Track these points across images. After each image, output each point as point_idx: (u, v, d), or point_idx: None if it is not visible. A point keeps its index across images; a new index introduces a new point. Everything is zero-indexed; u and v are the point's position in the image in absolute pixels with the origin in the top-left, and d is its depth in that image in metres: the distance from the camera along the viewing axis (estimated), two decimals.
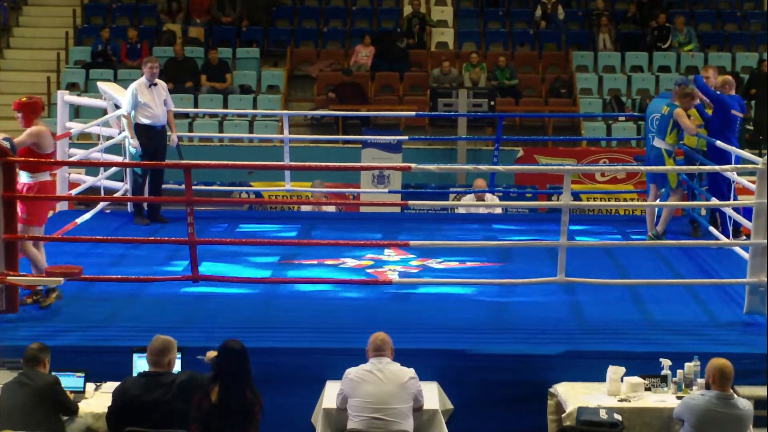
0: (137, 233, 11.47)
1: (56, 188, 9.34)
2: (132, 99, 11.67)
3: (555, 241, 9.10)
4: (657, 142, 11.09)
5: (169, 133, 11.98)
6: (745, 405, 6.99)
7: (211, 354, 7.07)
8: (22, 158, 8.64)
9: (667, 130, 10.97)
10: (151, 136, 11.74)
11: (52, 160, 9.00)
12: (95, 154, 12.13)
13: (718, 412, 6.86)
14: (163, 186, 12.46)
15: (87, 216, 11.41)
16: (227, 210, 13.90)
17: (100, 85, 13.10)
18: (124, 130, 12.19)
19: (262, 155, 16.25)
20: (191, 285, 9.21)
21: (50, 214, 9.81)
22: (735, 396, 6.97)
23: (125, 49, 20.43)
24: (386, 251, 10.82)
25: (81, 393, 7.34)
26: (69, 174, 12.54)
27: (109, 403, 7.01)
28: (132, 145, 11.64)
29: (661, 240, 10.98)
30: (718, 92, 11.13)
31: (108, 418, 6.81)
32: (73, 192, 12.00)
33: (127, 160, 12.03)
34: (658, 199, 11.26)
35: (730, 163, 10.58)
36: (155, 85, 11.80)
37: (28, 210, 8.79)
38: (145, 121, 11.73)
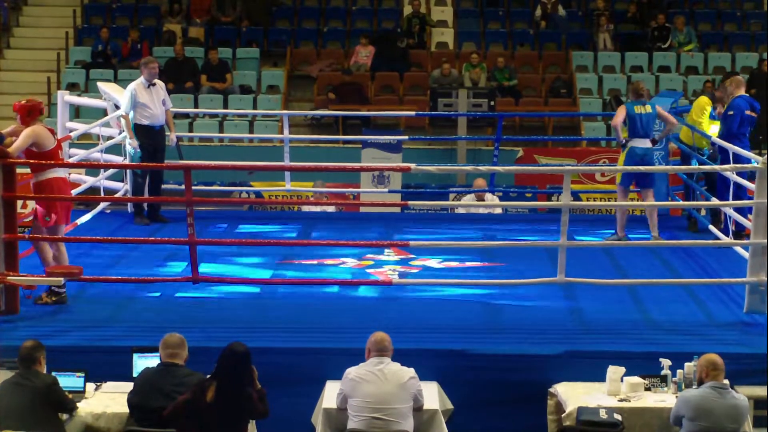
0: (137, 233, 11.48)
1: (68, 184, 9.32)
2: (130, 100, 11.68)
3: (555, 241, 9.10)
4: (644, 143, 11.02)
5: (167, 133, 11.99)
6: (741, 396, 7.00)
7: None
8: (22, 159, 8.69)
9: (654, 129, 10.96)
10: (149, 137, 11.76)
11: (58, 156, 9.00)
12: (95, 155, 12.13)
13: (713, 401, 6.87)
14: (163, 186, 12.47)
15: (87, 216, 11.42)
16: (227, 210, 13.90)
17: (100, 85, 13.10)
18: (123, 131, 12.20)
19: (262, 155, 16.25)
20: (191, 285, 9.21)
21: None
22: (729, 386, 6.99)
23: (125, 49, 20.43)
24: (386, 251, 10.82)
25: (81, 393, 7.34)
26: (69, 174, 12.52)
27: (112, 402, 7.18)
28: (131, 145, 11.65)
29: (623, 241, 10.99)
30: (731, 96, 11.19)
31: (128, 401, 6.90)
32: (73, 192, 12.00)
33: (127, 161, 12.04)
34: (645, 199, 11.20)
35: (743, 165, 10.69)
36: (153, 85, 11.81)
37: (45, 211, 8.80)
38: (144, 121, 11.75)
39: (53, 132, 9.00)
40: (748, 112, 11.01)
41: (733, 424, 6.88)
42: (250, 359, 6.71)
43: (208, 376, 6.72)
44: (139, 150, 11.60)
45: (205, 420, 6.56)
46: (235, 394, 6.60)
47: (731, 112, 10.99)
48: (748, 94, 11.54)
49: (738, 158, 10.59)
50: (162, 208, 12.23)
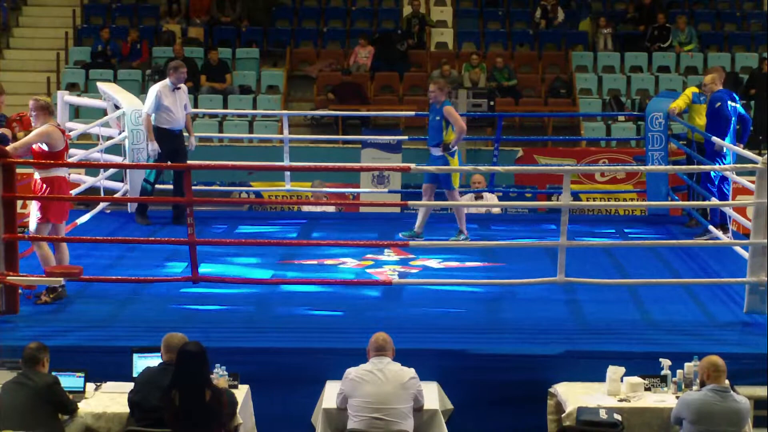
0: (137, 233, 11.47)
1: (68, 184, 9.32)
2: (155, 101, 11.52)
3: (555, 241, 9.10)
4: (434, 151, 10.85)
5: (186, 135, 11.90)
6: (742, 399, 7.00)
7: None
8: (22, 159, 8.71)
9: (443, 133, 10.75)
10: (169, 140, 11.60)
11: (64, 157, 9.00)
12: (95, 155, 12.13)
13: (715, 404, 6.87)
14: (163, 186, 12.44)
15: (87, 216, 11.42)
16: (227, 210, 13.90)
17: (100, 85, 13.10)
18: (123, 131, 12.17)
19: (262, 155, 16.26)
20: (191, 285, 9.21)
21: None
22: (731, 389, 6.99)
23: (125, 49, 20.43)
24: (386, 251, 10.82)
25: (81, 393, 7.34)
26: (69, 174, 12.52)
27: (112, 402, 7.21)
28: (151, 148, 11.51)
29: (419, 240, 10.87)
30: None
31: (129, 400, 6.92)
32: (73, 192, 12.00)
33: (126, 161, 12.04)
34: (433, 198, 11.11)
35: (721, 155, 10.83)
36: (178, 89, 11.69)
37: (42, 206, 8.81)
38: (164, 124, 11.59)
39: (64, 132, 9.04)
40: (731, 103, 11.09)
41: (734, 428, 6.88)
42: (205, 356, 6.72)
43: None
44: (156, 153, 11.47)
45: (176, 427, 6.61)
46: (198, 395, 6.61)
47: (718, 104, 11.06)
48: (736, 93, 11.65)
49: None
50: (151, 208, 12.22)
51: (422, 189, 11.12)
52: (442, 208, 14.83)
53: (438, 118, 10.77)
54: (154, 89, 11.65)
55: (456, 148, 10.82)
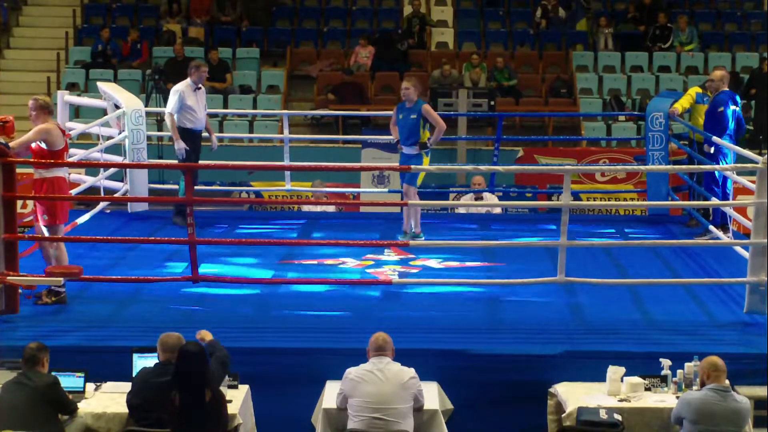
0: (137, 233, 11.48)
1: (67, 184, 9.30)
2: (178, 101, 11.46)
3: (555, 241, 9.10)
4: (408, 150, 10.83)
5: (206, 135, 11.85)
6: (743, 399, 7.01)
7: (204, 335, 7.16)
8: (21, 159, 8.70)
9: (420, 131, 10.77)
10: (190, 140, 11.56)
11: (64, 157, 8.99)
12: (95, 155, 12.12)
13: (715, 404, 6.87)
14: (163, 186, 12.44)
15: (87, 216, 11.41)
16: (227, 210, 13.89)
17: (100, 85, 13.10)
18: (123, 131, 12.17)
19: (262, 155, 16.24)
20: (191, 285, 9.21)
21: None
22: (731, 389, 6.99)
23: (125, 49, 20.43)
24: (386, 251, 10.82)
25: (81, 393, 7.34)
26: (69, 174, 12.51)
27: (112, 402, 7.22)
28: (177, 147, 11.43)
29: (419, 240, 10.87)
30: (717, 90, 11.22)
31: (127, 401, 6.93)
32: (73, 192, 12.00)
33: (126, 161, 12.04)
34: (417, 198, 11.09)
35: (723, 155, 10.80)
36: (199, 88, 11.64)
37: (48, 208, 8.82)
38: (187, 124, 11.54)
39: (64, 132, 9.03)
40: (733, 107, 11.08)
41: (734, 428, 6.88)
42: (204, 357, 6.72)
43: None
44: (184, 153, 11.41)
45: (176, 427, 6.60)
46: (197, 395, 6.60)
47: (721, 108, 11.03)
48: (736, 93, 11.63)
49: (720, 151, 10.75)
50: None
51: (403, 190, 11.13)
52: (442, 208, 14.85)
53: (414, 116, 10.77)
54: (175, 89, 11.57)
55: (430, 147, 10.85)
